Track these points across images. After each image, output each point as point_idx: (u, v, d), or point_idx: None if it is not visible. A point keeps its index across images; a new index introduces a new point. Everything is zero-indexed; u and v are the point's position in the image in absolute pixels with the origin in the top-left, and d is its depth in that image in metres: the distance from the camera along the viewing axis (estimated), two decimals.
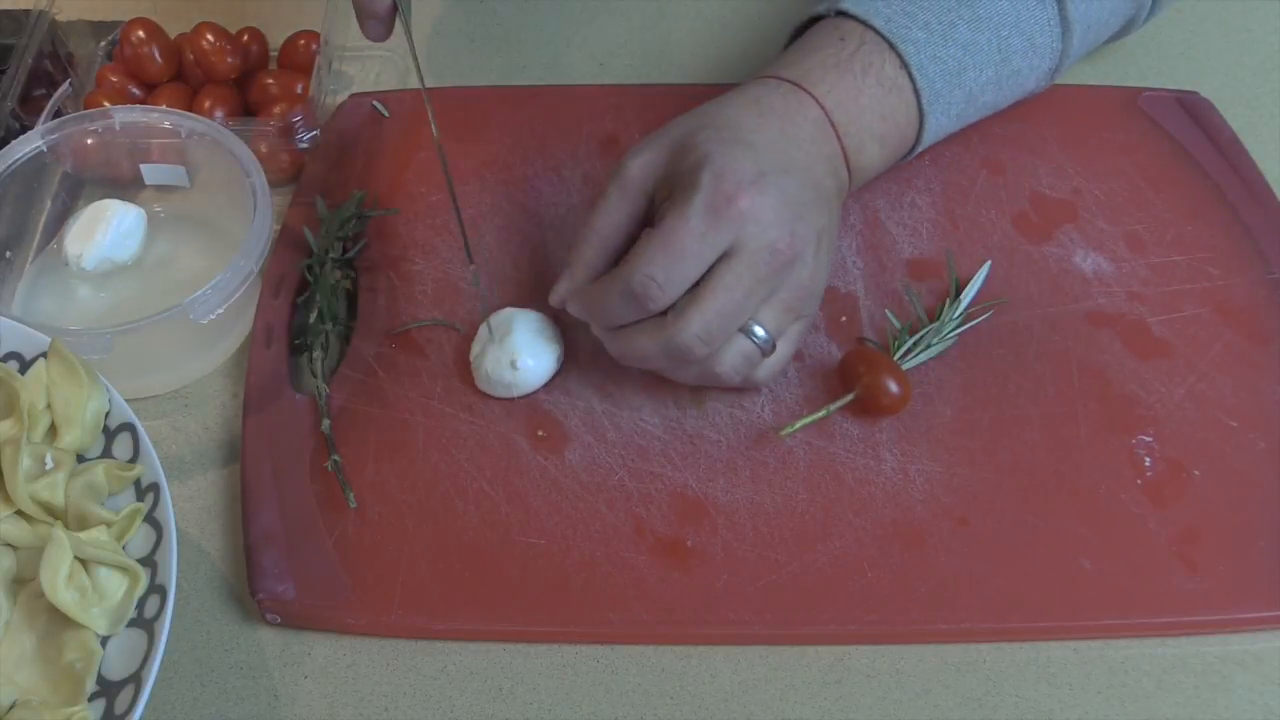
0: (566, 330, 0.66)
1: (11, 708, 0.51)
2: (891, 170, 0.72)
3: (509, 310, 0.66)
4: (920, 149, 0.68)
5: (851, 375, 0.63)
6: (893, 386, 0.62)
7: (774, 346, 0.59)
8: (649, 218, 0.60)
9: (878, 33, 0.64)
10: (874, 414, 0.63)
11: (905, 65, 0.64)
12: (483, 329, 0.65)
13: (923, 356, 0.65)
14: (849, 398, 0.62)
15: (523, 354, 0.63)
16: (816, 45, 0.65)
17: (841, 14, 0.66)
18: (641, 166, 0.60)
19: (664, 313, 0.57)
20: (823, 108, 0.63)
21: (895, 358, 0.64)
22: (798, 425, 0.62)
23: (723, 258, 0.56)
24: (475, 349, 0.65)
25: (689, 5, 0.86)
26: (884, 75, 0.64)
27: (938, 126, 0.67)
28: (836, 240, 0.63)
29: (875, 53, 0.64)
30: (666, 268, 0.56)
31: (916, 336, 0.65)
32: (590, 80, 0.81)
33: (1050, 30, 0.67)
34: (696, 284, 0.57)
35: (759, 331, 0.58)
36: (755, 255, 0.56)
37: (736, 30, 0.84)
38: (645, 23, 0.85)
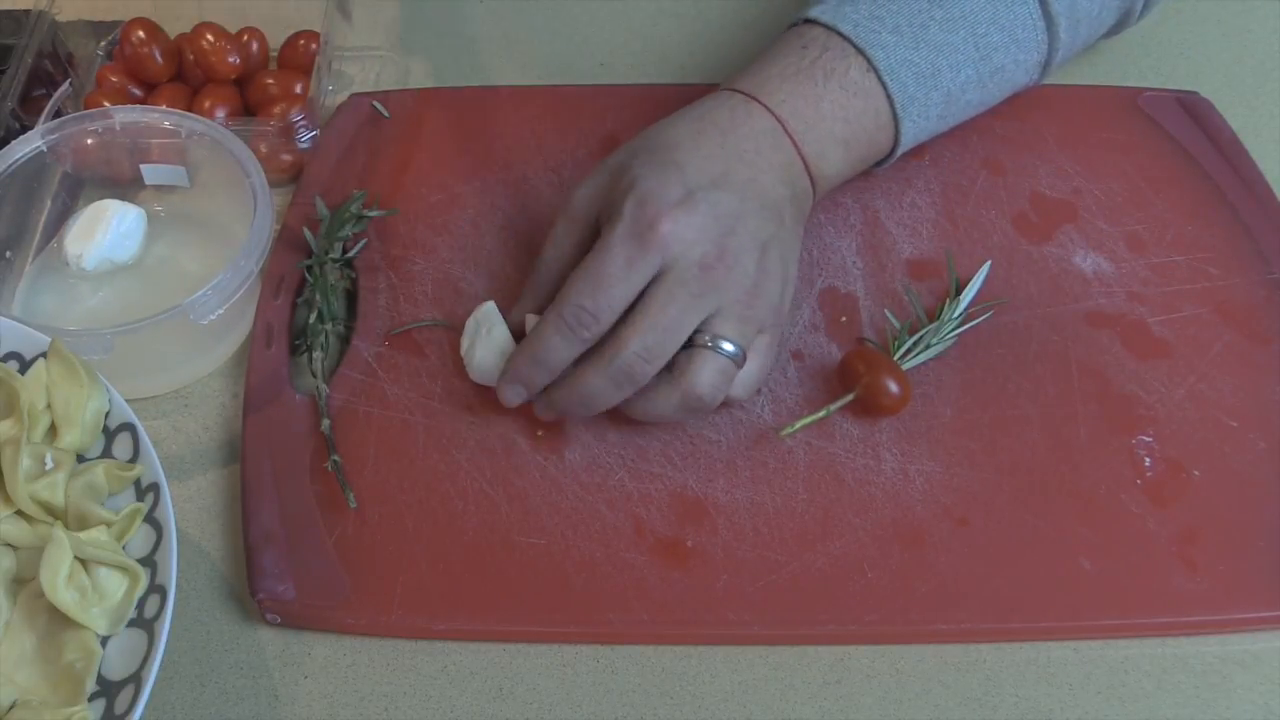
0: None
1: (11, 708, 0.51)
2: (891, 170, 0.72)
3: (492, 303, 0.66)
4: (900, 150, 0.68)
5: (851, 375, 0.63)
6: (893, 386, 0.62)
7: (744, 358, 0.59)
8: (592, 239, 0.61)
9: (844, 38, 0.64)
10: (874, 414, 0.63)
11: (874, 69, 0.64)
12: (470, 322, 0.65)
13: (923, 356, 0.65)
14: (849, 398, 0.62)
15: (511, 343, 0.63)
16: (778, 55, 0.65)
17: (809, 21, 0.66)
18: (584, 197, 0.62)
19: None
20: (776, 117, 0.63)
21: (895, 358, 0.64)
22: (798, 425, 0.62)
23: (655, 279, 0.58)
24: (465, 342, 0.65)
25: (689, 5, 0.86)
26: (848, 81, 0.64)
27: (916, 129, 0.67)
28: (798, 247, 0.63)
29: (839, 58, 0.64)
30: (593, 295, 0.57)
31: (916, 336, 0.65)
32: (590, 80, 0.81)
33: (1032, 24, 0.67)
34: (632, 309, 0.58)
35: (726, 346, 0.58)
36: (684, 272, 0.57)
37: (736, 30, 0.84)
38: (645, 23, 0.85)
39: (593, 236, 0.61)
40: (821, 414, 0.62)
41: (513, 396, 0.62)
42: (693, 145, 0.61)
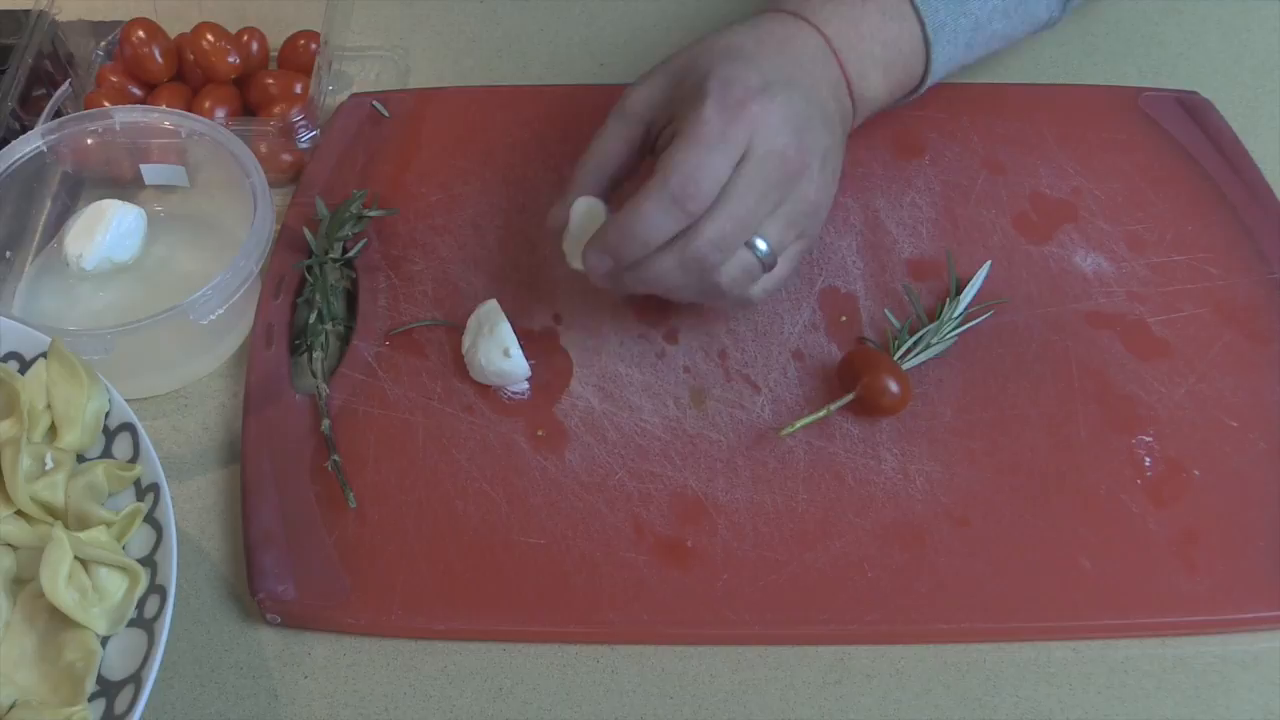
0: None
1: (11, 708, 0.51)
2: (891, 170, 0.72)
3: (495, 301, 0.66)
4: (931, 80, 0.68)
5: (851, 375, 0.63)
6: (893, 386, 0.62)
7: (774, 262, 0.60)
8: (645, 148, 0.62)
9: None
10: (874, 414, 0.63)
11: None
12: (472, 320, 0.65)
13: (923, 356, 0.65)
14: (849, 398, 0.62)
15: (513, 342, 0.63)
16: None
17: None
18: (641, 97, 0.62)
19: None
20: (823, 34, 0.63)
21: (895, 358, 0.64)
22: (798, 425, 0.62)
23: (739, 162, 0.57)
24: (466, 341, 0.65)
25: (689, 5, 0.86)
26: (885, 4, 0.65)
27: (946, 56, 0.67)
28: (840, 169, 0.63)
29: None
30: (699, 165, 0.56)
31: (916, 336, 0.65)
32: (590, 80, 0.81)
33: None
34: None
35: (761, 245, 0.59)
36: (765, 160, 0.57)
37: None
38: (645, 23, 0.85)
39: (644, 138, 0.62)
40: (821, 414, 0.62)
41: (599, 264, 0.59)
42: (757, 48, 0.61)
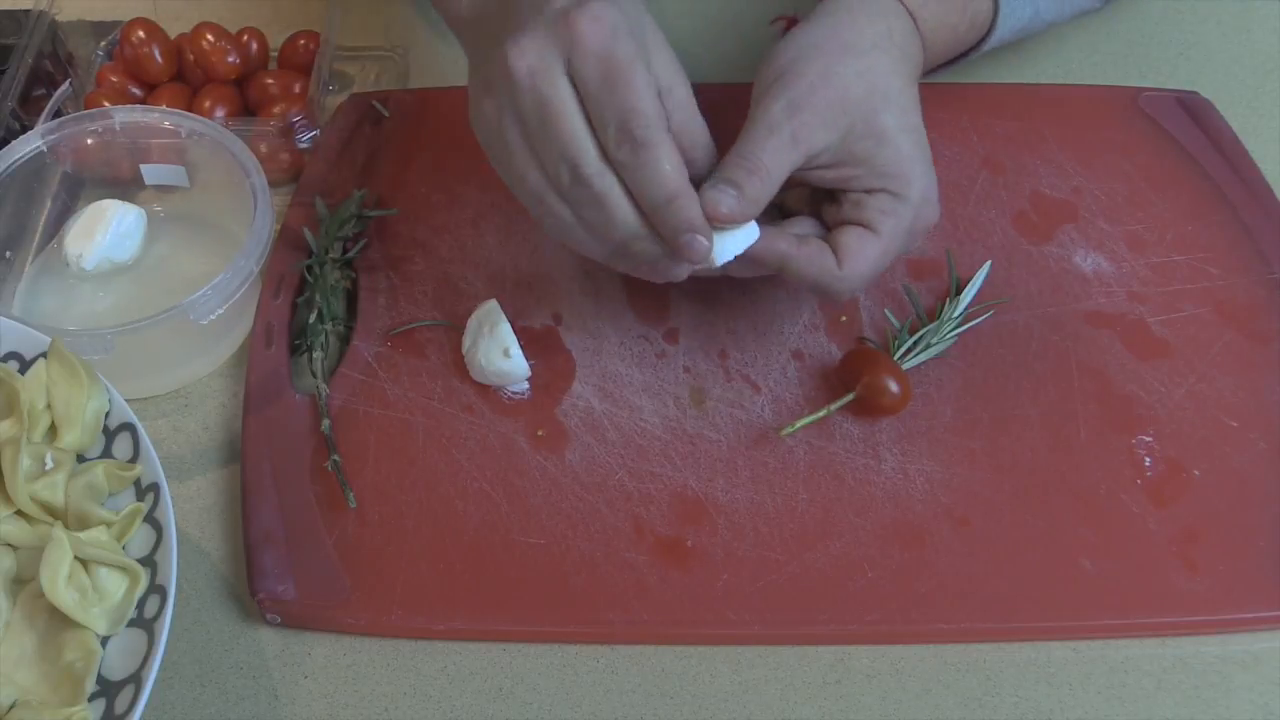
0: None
1: (11, 708, 0.51)
2: None
3: (495, 301, 0.66)
4: (989, 44, 0.68)
5: (851, 375, 0.63)
6: (893, 386, 0.62)
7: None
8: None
9: None
10: (874, 414, 0.63)
11: None
12: (472, 321, 0.65)
13: (923, 356, 0.64)
14: (849, 398, 0.62)
15: (513, 342, 0.63)
16: None
17: None
18: (815, 144, 0.59)
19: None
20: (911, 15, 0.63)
21: (895, 358, 0.64)
22: (798, 425, 0.62)
23: None
24: (467, 341, 0.65)
25: (689, 5, 0.86)
26: None
27: (1005, 32, 0.67)
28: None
29: None
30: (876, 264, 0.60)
31: (916, 336, 0.65)
32: None
33: None
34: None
35: None
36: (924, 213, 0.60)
37: (736, 30, 0.84)
38: None
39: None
40: (822, 414, 0.62)
41: (721, 201, 0.57)
42: (887, 76, 0.60)
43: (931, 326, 0.65)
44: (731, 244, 0.57)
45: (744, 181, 0.57)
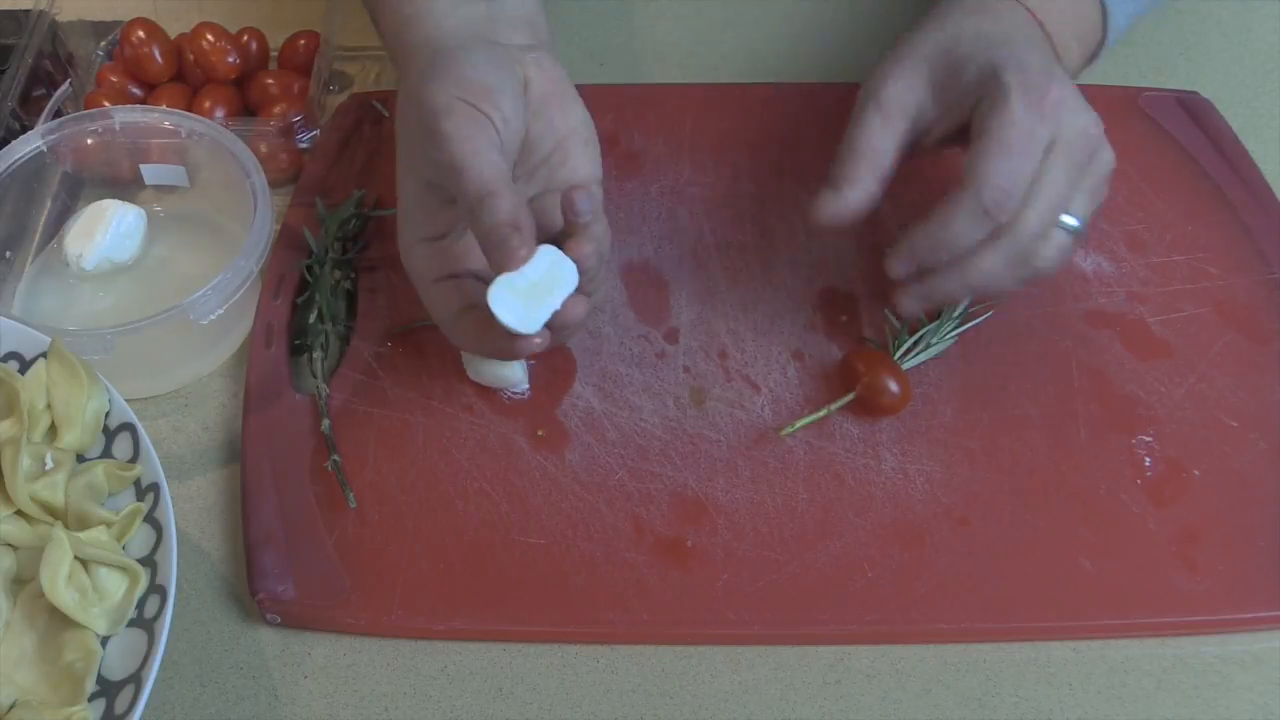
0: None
1: (11, 708, 0.51)
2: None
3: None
4: (1106, 49, 0.68)
5: (851, 375, 0.63)
6: (893, 386, 0.62)
7: (1086, 234, 0.60)
8: (909, 141, 0.61)
9: None
10: (874, 414, 0.63)
11: None
12: None
13: (922, 356, 0.64)
14: (849, 398, 0.62)
15: None
16: None
17: None
18: (900, 92, 0.61)
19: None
20: (1030, 11, 0.63)
21: (895, 358, 0.64)
22: (798, 425, 0.62)
23: (1045, 151, 0.57)
24: None
25: (690, 5, 0.86)
26: None
27: (1120, 26, 0.67)
28: None
29: None
30: (1011, 174, 0.56)
31: (916, 336, 0.65)
32: (590, 80, 0.81)
33: None
34: None
35: (1072, 222, 0.59)
36: (1073, 143, 0.58)
37: (736, 30, 0.84)
38: (645, 23, 0.85)
39: (910, 131, 0.61)
40: (822, 413, 0.62)
41: (901, 268, 0.61)
42: (1006, 31, 0.61)
43: (931, 327, 0.65)
44: (550, 301, 0.55)
45: (848, 170, 0.59)
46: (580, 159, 0.60)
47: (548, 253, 0.55)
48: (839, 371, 0.65)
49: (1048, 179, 0.57)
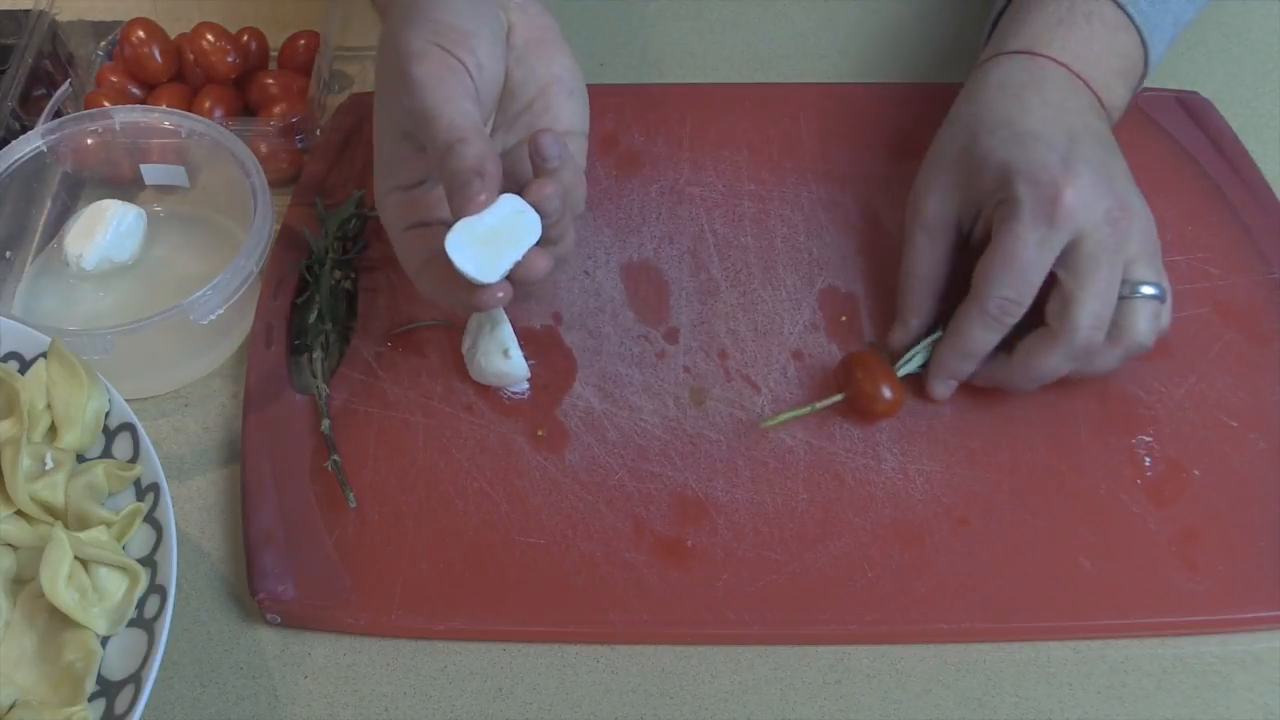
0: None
1: (11, 708, 0.51)
2: (891, 169, 0.72)
3: None
4: (1149, 74, 0.69)
5: (846, 379, 0.63)
6: (886, 393, 0.62)
7: (1166, 294, 0.61)
8: (960, 245, 0.63)
9: None
10: (867, 419, 0.63)
11: (1119, 5, 0.66)
12: (472, 321, 0.65)
13: (918, 366, 0.64)
14: (837, 398, 0.62)
15: (513, 343, 0.63)
16: (1033, 10, 0.66)
17: None
18: (938, 203, 0.63)
19: (1016, 332, 0.60)
20: (1064, 65, 0.64)
21: (895, 365, 0.63)
22: (780, 418, 0.62)
23: (1071, 249, 0.58)
24: (467, 341, 0.65)
25: (690, 5, 0.86)
26: (1105, 19, 0.66)
27: (1158, 53, 0.68)
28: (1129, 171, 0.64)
29: (1090, 1, 0.66)
30: (1015, 284, 0.59)
31: (912, 354, 0.64)
32: (590, 80, 0.81)
33: None
34: (1056, 281, 0.59)
35: (1148, 290, 0.60)
36: (1099, 235, 0.58)
37: (736, 30, 0.84)
38: (645, 23, 0.85)
39: (958, 239, 0.63)
40: (805, 410, 0.62)
41: (944, 391, 0.63)
42: (1025, 112, 0.62)
43: (928, 340, 0.63)
44: (510, 252, 0.55)
45: (913, 301, 0.64)
46: (564, 108, 0.60)
47: (510, 200, 0.55)
48: (837, 375, 0.65)
49: (1087, 277, 0.58)
